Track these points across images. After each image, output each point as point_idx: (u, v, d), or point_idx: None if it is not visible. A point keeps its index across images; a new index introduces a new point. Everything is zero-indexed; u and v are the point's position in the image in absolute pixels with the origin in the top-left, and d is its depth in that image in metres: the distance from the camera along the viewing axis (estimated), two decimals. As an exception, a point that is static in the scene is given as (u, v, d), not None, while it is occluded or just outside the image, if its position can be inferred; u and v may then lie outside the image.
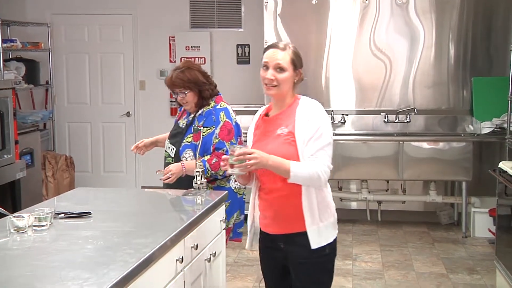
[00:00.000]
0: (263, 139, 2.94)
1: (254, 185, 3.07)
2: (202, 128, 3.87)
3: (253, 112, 7.17)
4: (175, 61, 7.91)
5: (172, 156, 3.94)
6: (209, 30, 7.88)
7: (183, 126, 3.99)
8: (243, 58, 7.86)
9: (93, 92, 8.22)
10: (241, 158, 2.75)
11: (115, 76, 8.17)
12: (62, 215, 2.96)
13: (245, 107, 7.25)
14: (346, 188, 7.01)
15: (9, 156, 5.46)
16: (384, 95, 6.85)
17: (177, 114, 4.21)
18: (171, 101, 7.98)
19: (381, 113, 6.78)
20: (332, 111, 6.68)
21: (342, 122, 6.79)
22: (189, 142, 3.88)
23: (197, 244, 3.00)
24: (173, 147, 3.96)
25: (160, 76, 8.03)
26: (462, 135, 6.60)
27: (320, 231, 2.91)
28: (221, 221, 3.47)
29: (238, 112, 7.54)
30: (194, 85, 3.90)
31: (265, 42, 6.87)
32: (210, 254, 3.23)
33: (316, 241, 2.90)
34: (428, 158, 6.40)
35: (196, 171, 3.53)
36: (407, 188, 6.79)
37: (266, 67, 2.93)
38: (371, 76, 6.84)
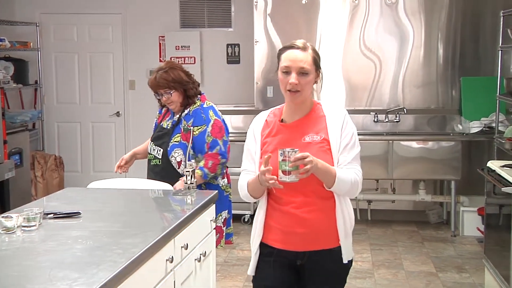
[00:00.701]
0: (286, 147, 2.60)
1: (265, 200, 2.83)
2: (192, 127, 3.88)
3: (243, 112, 7.29)
4: (165, 61, 7.88)
5: (160, 157, 3.96)
6: (199, 30, 7.87)
7: (168, 127, 4.01)
8: (233, 57, 7.85)
9: (83, 91, 8.19)
10: (298, 163, 2.52)
11: (105, 75, 8.14)
12: (51, 215, 2.95)
13: (234, 106, 7.28)
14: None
15: (-3, 156, 5.45)
16: (374, 94, 6.87)
17: (157, 117, 4.21)
18: (161, 101, 7.95)
19: (371, 113, 6.81)
20: (322, 110, 6.69)
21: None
22: (177, 141, 3.90)
23: (187, 244, 2.99)
24: (159, 148, 3.98)
25: (149, 76, 7.99)
26: (451, 134, 6.64)
27: (350, 244, 2.81)
28: (211, 220, 3.47)
29: (227, 112, 7.59)
30: (179, 85, 3.92)
31: (255, 42, 6.88)
32: (200, 254, 3.22)
33: (347, 255, 2.77)
34: (418, 157, 6.43)
35: (186, 171, 3.52)
36: (396, 187, 6.82)
37: (287, 72, 2.71)
38: (361, 75, 6.87)
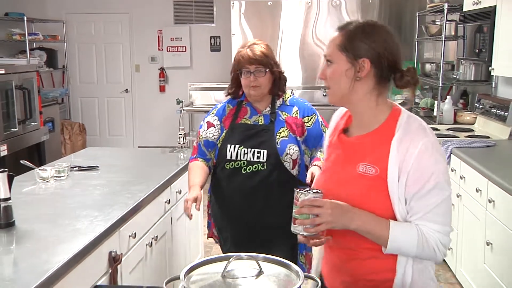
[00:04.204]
0: (335, 172, 1.46)
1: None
2: (304, 118, 2.44)
3: (223, 88, 7.20)
4: (162, 50, 7.82)
5: (264, 160, 2.35)
6: (188, 25, 7.78)
7: (262, 123, 2.41)
8: (215, 47, 7.80)
9: (99, 73, 8.09)
10: (304, 212, 1.34)
11: (116, 61, 8.03)
12: (77, 168, 2.97)
13: (217, 84, 7.28)
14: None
15: (35, 123, 5.40)
16: (323, 75, 6.87)
17: (225, 117, 2.48)
18: (160, 80, 7.91)
19: (321, 89, 6.84)
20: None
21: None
22: (286, 136, 2.39)
23: (180, 190, 3.03)
24: (258, 150, 2.36)
25: (151, 61, 7.94)
26: (381, 105, 6.70)
27: None
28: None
29: (211, 89, 7.57)
30: (275, 66, 2.45)
31: (232, 35, 6.81)
32: (191, 197, 3.26)
33: None
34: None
35: (179, 134, 3.52)
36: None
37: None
38: (314, 60, 6.86)
